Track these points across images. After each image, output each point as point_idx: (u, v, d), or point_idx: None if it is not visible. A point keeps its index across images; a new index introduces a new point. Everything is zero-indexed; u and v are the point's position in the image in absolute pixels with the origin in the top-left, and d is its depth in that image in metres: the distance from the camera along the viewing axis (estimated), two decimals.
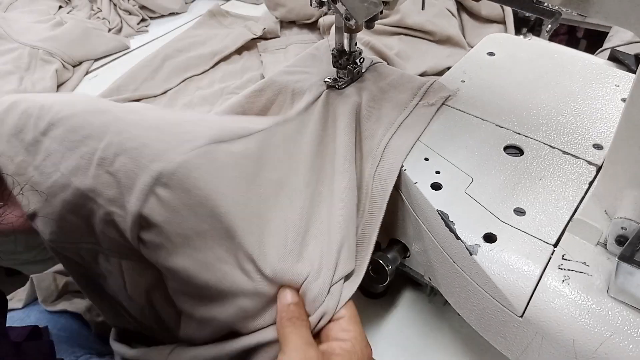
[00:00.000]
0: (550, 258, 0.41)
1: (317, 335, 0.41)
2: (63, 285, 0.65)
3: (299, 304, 0.40)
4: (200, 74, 0.92)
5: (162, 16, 1.13)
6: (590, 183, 0.47)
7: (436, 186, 0.47)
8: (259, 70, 0.92)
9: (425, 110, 0.55)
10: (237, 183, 0.41)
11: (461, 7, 0.98)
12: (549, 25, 0.43)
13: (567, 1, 0.39)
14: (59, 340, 0.60)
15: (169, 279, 0.41)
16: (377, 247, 0.49)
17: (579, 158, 0.49)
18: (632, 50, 0.86)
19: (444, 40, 0.90)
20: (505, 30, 0.93)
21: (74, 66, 0.94)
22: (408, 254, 0.53)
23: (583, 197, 0.46)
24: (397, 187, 0.49)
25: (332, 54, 0.57)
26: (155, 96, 0.86)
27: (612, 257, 0.40)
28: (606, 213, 0.41)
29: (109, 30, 1.05)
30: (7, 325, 0.46)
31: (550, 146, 0.51)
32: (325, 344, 0.40)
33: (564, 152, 0.50)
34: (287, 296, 0.40)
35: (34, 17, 1.02)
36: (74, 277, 0.47)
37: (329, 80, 0.57)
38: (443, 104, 0.56)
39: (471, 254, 0.42)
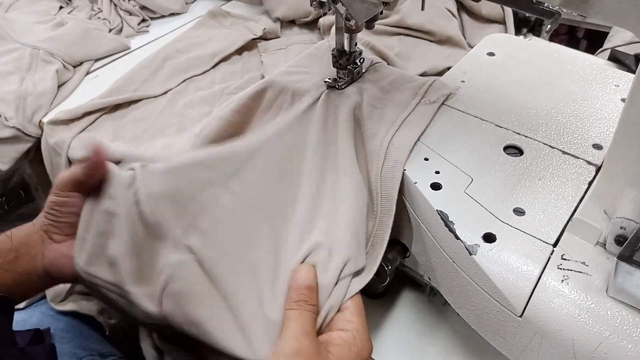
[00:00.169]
0: (549, 258, 0.41)
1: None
2: (71, 285, 0.66)
3: (312, 288, 0.40)
4: (201, 74, 0.91)
5: (163, 17, 1.13)
6: (590, 183, 0.47)
7: (436, 186, 0.47)
8: (259, 71, 0.91)
9: (427, 107, 0.55)
10: None
11: (461, 7, 0.98)
12: (549, 26, 0.43)
13: (567, 1, 0.39)
14: (61, 341, 0.60)
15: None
16: None
17: (578, 158, 0.49)
18: (632, 50, 0.86)
19: (444, 41, 0.90)
20: (506, 31, 0.93)
21: (74, 66, 0.94)
22: (408, 254, 0.53)
23: (582, 197, 0.46)
24: None
25: (332, 54, 0.57)
26: (155, 96, 0.86)
27: (611, 256, 0.41)
28: (605, 213, 0.41)
29: (110, 30, 1.05)
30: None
31: (550, 146, 0.51)
32: (326, 334, 0.40)
33: (564, 152, 0.50)
34: (302, 276, 0.40)
35: (35, 17, 1.02)
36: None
37: (329, 80, 0.57)
38: (444, 102, 0.56)
39: (471, 254, 0.42)
